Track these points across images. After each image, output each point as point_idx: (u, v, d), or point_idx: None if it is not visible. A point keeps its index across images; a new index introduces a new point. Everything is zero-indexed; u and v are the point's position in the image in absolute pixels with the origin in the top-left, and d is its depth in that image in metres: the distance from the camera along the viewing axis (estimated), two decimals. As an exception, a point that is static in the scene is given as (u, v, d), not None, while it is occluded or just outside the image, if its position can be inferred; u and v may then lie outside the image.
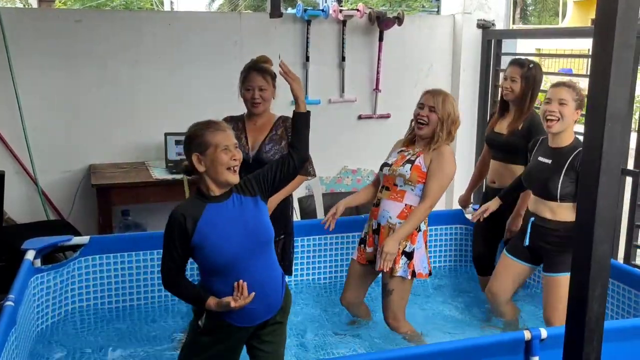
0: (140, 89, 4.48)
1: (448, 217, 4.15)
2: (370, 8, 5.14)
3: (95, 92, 4.40)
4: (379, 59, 5.04)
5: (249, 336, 2.34)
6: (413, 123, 3.11)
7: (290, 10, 4.89)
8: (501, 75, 5.01)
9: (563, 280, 2.88)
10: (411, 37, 5.18)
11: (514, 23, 21.69)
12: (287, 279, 3.49)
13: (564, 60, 17.68)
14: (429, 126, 2.99)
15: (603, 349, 1.48)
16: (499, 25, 5.31)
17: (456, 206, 4.21)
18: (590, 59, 1.38)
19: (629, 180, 3.88)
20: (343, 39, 4.93)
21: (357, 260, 3.16)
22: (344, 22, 4.90)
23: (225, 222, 2.21)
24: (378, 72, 5.06)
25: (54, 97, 4.33)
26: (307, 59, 4.84)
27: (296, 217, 4.69)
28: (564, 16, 23.23)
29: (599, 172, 1.35)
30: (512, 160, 3.46)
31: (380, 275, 3.13)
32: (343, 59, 4.96)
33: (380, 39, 5.01)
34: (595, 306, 1.44)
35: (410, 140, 3.15)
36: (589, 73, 1.36)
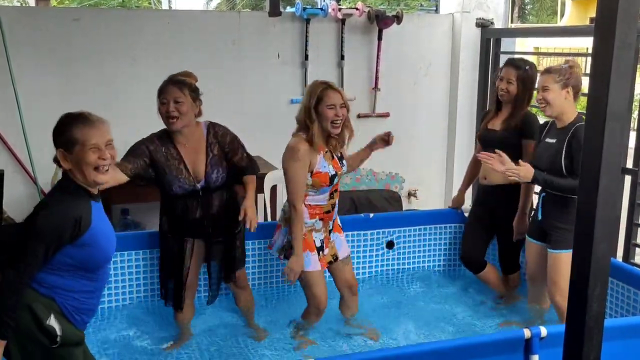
0: (138, 88, 4.47)
1: (445, 216, 4.14)
2: (369, 7, 5.14)
3: (93, 91, 4.39)
4: (377, 57, 5.04)
5: None
6: (326, 125, 2.95)
7: (289, 9, 4.89)
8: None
9: (564, 257, 3.00)
10: (410, 35, 5.18)
11: (512, 22, 21.69)
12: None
13: (562, 59, 17.67)
14: (342, 122, 2.98)
15: (603, 347, 1.49)
16: (498, 24, 5.31)
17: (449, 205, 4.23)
18: (588, 58, 1.38)
19: (627, 178, 3.88)
20: (342, 37, 4.93)
21: (322, 269, 3.14)
22: (343, 21, 4.90)
23: (105, 222, 2.19)
24: (377, 71, 5.06)
25: (52, 95, 4.33)
26: (306, 57, 4.84)
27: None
28: (562, 15, 23.24)
29: (599, 171, 1.35)
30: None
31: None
32: (342, 57, 4.96)
33: (379, 37, 5.01)
34: (594, 305, 1.45)
35: (310, 140, 2.95)
36: (588, 72, 1.36)
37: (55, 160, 2.17)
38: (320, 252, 3.13)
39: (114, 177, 2.74)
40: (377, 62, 5.05)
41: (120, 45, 4.41)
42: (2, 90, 4.17)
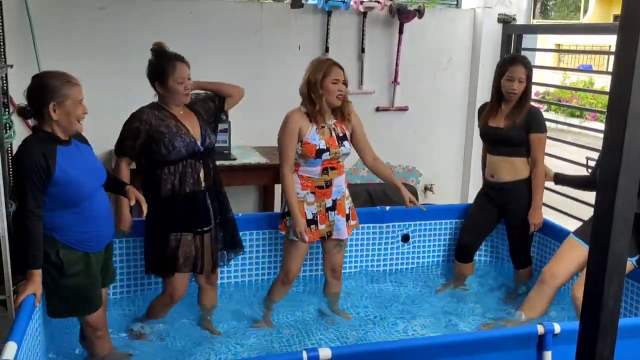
0: (161, 77, 4.51)
1: (461, 211, 4.15)
2: (390, 0, 5.13)
3: (117, 79, 4.44)
4: (398, 51, 5.04)
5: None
6: (331, 99, 3.15)
7: (311, 1, 4.90)
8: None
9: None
10: (431, 30, 5.17)
11: (534, 18, 21.45)
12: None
13: (583, 56, 17.47)
14: (344, 96, 3.19)
15: (617, 346, 1.50)
16: (520, 20, 5.28)
17: (465, 200, 4.23)
18: (610, 56, 1.38)
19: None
20: (363, 30, 4.93)
21: (308, 241, 3.17)
22: (364, 14, 4.90)
23: (76, 161, 2.49)
24: (397, 65, 5.06)
25: (76, 82, 4.39)
26: (327, 50, 4.86)
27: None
28: (585, 12, 22.93)
29: (618, 171, 1.35)
30: (515, 154, 3.48)
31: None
32: (362, 50, 4.97)
33: (400, 31, 5.01)
34: (610, 303, 1.45)
35: (311, 112, 3.16)
36: (611, 71, 1.36)
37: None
38: (313, 226, 3.20)
39: None
40: (397, 55, 5.05)
41: (144, 34, 4.45)
42: (29, 77, 4.23)
